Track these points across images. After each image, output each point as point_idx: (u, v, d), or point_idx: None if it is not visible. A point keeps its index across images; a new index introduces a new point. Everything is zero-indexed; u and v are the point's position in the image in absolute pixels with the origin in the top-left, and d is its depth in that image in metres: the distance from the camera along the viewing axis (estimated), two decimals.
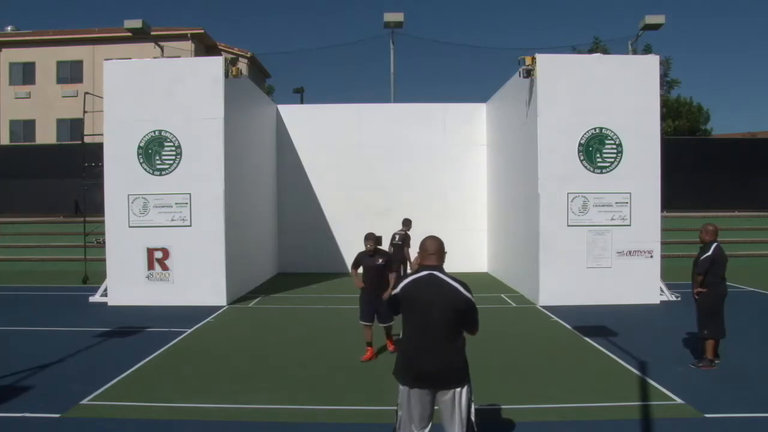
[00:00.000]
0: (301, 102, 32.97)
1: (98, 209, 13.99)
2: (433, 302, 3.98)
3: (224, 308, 12.23)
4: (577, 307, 11.67)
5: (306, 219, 18.45)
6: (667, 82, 32.90)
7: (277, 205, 18.58)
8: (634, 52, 14.40)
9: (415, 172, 18.32)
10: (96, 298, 13.00)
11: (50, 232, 21.46)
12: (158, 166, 12.69)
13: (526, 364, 7.96)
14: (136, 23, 13.72)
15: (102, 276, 13.34)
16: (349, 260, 8.49)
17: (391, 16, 19.50)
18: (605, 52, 25.68)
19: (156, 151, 12.69)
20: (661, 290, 12.65)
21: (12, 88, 33.84)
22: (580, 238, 12.31)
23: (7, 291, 15.30)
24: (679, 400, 6.27)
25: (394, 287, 4.23)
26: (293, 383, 7.12)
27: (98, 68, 23.60)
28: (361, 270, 8.37)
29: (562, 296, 12.07)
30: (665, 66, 31.96)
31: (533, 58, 12.51)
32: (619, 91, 12.43)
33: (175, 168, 12.69)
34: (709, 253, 7.39)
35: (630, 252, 12.37)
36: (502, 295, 13.57)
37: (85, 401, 6.35)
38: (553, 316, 11.14)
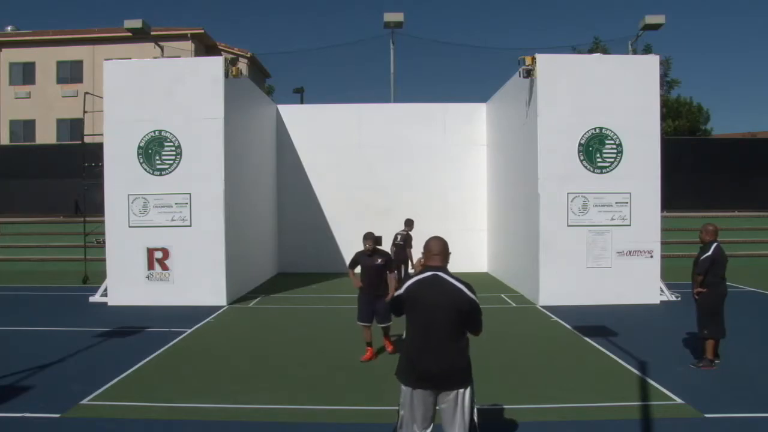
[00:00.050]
0: (301, 102, 32.98)
1: (98, 209, 13.99)
2: (436, 303, 3.98)
3: (224, 308, 12.23)
4: (577, 307, 11.67)
5: (306, 219, 18.45)
6: (667, 82, 32.91)
7: (277, 205, 18.58)
8: (634, 52, 14.40)
9: (415, 172, 18.32)
10: (96, 298, 13.00)
11: (50, 232, 21.46)
12: (158, 166, 12.70)
13: (526, 364, 7.96)
14: (136, 23, 13.72)
15: (102, 276, 13.34)
16: (349, 260, 8.45)
17: (391, 16, 19.50)
18: (605, 52, 25.68)
19: (156, 151, 12.69)
20: (661, 290, 12.65)
21: (12, 88, 33.84)
22: (580, 238, 12.31)
23: (7, 291, 15.30)
24: (679, 400, 6.27)
25: (398, 288, 4.22)
26: (293, 383, 7.12)
27: (98, 68, 23.60)
28: (358, 270, 8.28)
29: (562, 296, 12.07)
30: (665, 66, 31.97)
31: (533, 58, 12.51)
32: (619, 91, 12.43)
33: (175, 168, 12.69)
34: (709, 253, 7.39)
35: (630, 252, 12.37)
36: (502, 295, 13.57)
37: (85, 401, 6.35)
38: (553, 316, 11.14)
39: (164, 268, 12.61)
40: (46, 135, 32.91)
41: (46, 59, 33.50)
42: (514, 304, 12.66)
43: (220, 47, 35.51)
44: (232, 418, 6.00)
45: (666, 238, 15.02)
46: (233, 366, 7.92)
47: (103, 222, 13.17)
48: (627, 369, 7.52)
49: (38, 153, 26.03)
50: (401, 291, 4.13)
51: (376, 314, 8.06)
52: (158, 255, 12.60)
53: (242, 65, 25.65)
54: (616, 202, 12.39)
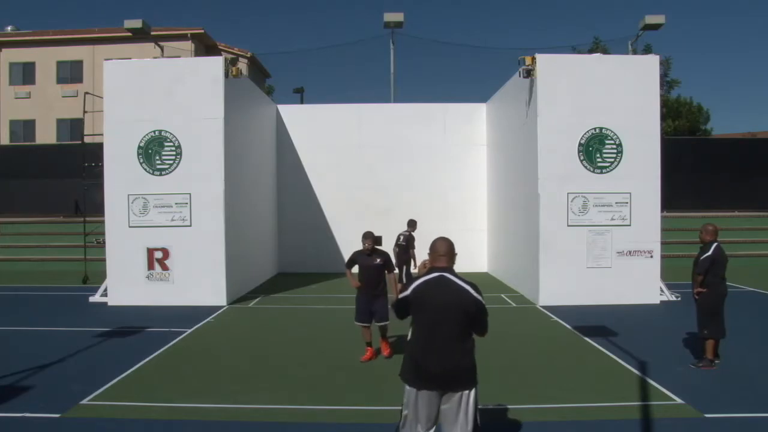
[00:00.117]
0: (301, 102, 33.00)
1: (98, 209, 13.99)
2: (443, 304, 3.97)
3: (224, 308, 12.23)
4: (577, 307, 11.67)
5: (306, 219, 18.46)
6: (667, 82, 32.92)
7: (277, 205, 18.58)
8: (634, 52, 14.40)
9: (415, 172, 18.32)
10: (96, 298, 13.00)
11: (50, 232, 21.46)
12: (158, 166, 12.70)
13: (526, 364, 7.96)
14: (136, 23, 13.72)
15: (102, 276, 13.34)
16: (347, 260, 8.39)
17: (391, 16, 19.50)
18: (605, 52, 25.68)
19: (156, 151, 12.69)
20: (661, 290, 12.65)
21: (12, 88, 33.84)
22: (580, 238, 12.31)
23: (7, 291, 15.30)
24: (679, 400, 6.27)
25: (403, 290, 4.19)
26: (293, 383, 7.12)
27: (98, 68, 23.60)
28: (356, 269, 8.19)
29: (562, 296, 12.06)
30: (665, 66, 31.97)
31: (533, 58, 12.51)
32: (619, 91, 12.43)
33: (175, 168, 12.69)
34: (709, 253, 7.39)
35: (630, 252, 12.37)
36: (502, 295, 13.57)
37: (85, 401, 6.35)
38: (553, 316, 11.14)
39: (164, 268, 12.61)
40: (46, 135, 32.91)
41: (46, 59, 33.50)
42: (514, 304, 12.66)
43: (220, 47, 35.51)
44: (232, 418, 5.99)
45: (666, 238, 15.02)
46: (233, 366, 7.92)
47: (103, 222, 13.17)
48: (627, 369, 7.52)
49: (38, 153, 26.03)
50: (408, 292, 4.11)
51: (375, 314, 8.01)
52: (158, 255, 12.60)
53: (242, 65, 25.65)
54: (616, 202, 12.39)
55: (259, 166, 16.51)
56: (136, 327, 10.23)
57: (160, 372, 7.67)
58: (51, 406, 6.16)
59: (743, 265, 17.39)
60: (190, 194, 12.61)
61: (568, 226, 12.35)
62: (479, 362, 4.09)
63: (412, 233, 13.29)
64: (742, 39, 71.35)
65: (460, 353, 3.99)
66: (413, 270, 12.54)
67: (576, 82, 12.46)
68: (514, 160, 14.92)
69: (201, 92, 12.69)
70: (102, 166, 13.05)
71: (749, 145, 26.33)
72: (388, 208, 17.37)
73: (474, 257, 17.76)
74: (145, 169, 12.68)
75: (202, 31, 33.90)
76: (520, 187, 14.01)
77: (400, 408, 4.15)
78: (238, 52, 35.16)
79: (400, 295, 4.19)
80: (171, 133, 12.68)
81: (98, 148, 13.69)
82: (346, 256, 8.38)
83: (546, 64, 12.48)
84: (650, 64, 12.85)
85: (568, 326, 10.18)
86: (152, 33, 14.83)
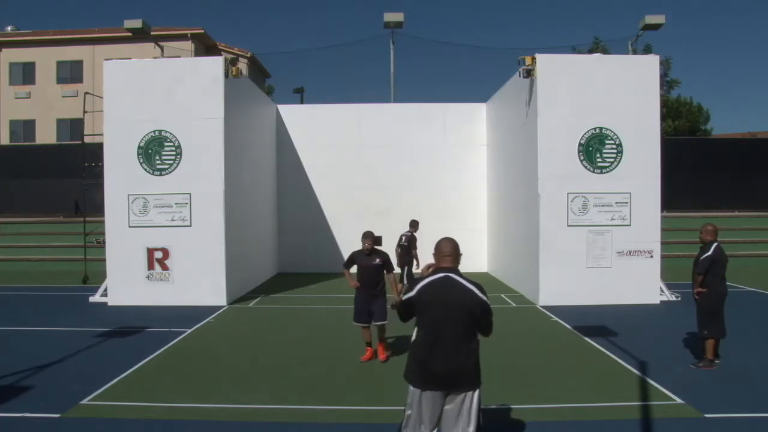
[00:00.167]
0: (301, 102, 33.00)
1: (98, 209, 14.00)
2: (448, 304, 3.97)
3: (224, 308, 12.22)
4: (577, 307, 11.67)
5: (306, 219, 18.46)
6: (667, 82, 32.92)
7: (277, 205, 18.58)
8: (634, 52, 14.40)
9: (415, 172, 18.33)
10: (96, 298, 13.00)
11: (50, 232, 21.45)
12: (158, 166, 12.70)
13: (526, 364, 7.96)
14: (136, 23, 13.72)
15: (102, 276, 13.34)
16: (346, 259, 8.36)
17: (391, 16, 19.51)
18: (605, 52, 25.68)
19: (156, 151, 12.69)
20: (661, 290, 12.65)
21: (12, 88, 33.84)
22: (580, 238, 12.31)
23: (7, 291, 15.30)
24: (679, 400, 6.27)
25: (408, 290, 4.16)
26: (293, 383, 7.12)
27: (98, 68, 23.60)
28: (354, 269, 8.13)
29: (562, 296, 12.06)
30: (665, 66, 31.98)
31: (533, 58, 12.51)
32: (619, 91, 12.44)
33: (175, 168, 12.69)
34: (710, 253, 7.39)
35: (630, 252, 12.37)
36: (502, 295, 13.57)
37: (85, 401, 6.35)
38: (553, 316, 11.14)
39: (164, 268, 12.61)
40: (46, 135, 32.91)
41: (46, 59, 33.50)
42: (514, 304, 12.66)
43: (220, 47, 35.51)
44: (232, 418, 5.99)
45: (666, 238, 15.02)
46: (233, 366, 7.92)
47: (103, 222, 13.17)
48: (627, 369, 7.52)
49: (38, 153, 26.04)
50: (413, 293, 4.08)
51: (373, 314, 7.97)
52: (158, 255, 12.60)
53: (242, 65, 25.65)
54: (616, 202, 12.39)
55: (259, 166, 16.51)
56: (136, 327, 10.23)
57: (160, 372, 7.67)
58: (51, 406, 6.16)
59: (743, 265, 17.39)
60: (190, 194, 12.61)
61: (568, 226, 12.35)
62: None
63: (414, 234, 13.29)
64: (742, 39, 71.43)
65: (465, 354, 3.98)
66: (415, 270, 12.53)
67: (576, 82, 12.46)
68: (514, 160, 14.92)
69: (201, 92, 12.69)
70: (102, 166, 13.05)
71: (749, 145, 26.33)
72: (388, 208, 17.37)
73: (474, 257, 17.72)
74: (145, 169, 12.68)
75: (202, 31, 33.90)
76: (520, 187, 14.01)
77: (401, 408, 4.15)
78: (238, 52, 35.16)
79: (405, 296, 4.15)
80: (171, 133, 12.68)
81: (98, 148, 13.70)
82: (346, 256, 8.34)
83: (546, 64, 12.48)
84: (650, 64, 12.85)
85: (568, 326, 10.18)
86: (152, 33, 14.83)
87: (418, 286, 4.09)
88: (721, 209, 22.06)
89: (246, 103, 15.00)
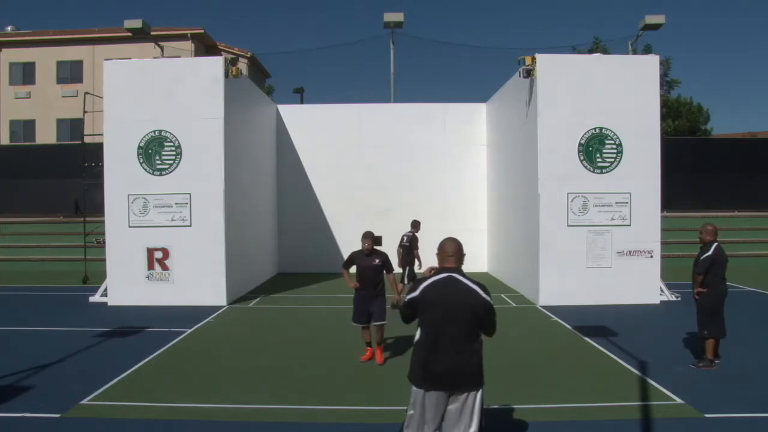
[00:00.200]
0: (301, 102, 32.99)
1: (98, 209, 13.99)
2: (451, 304, 3.97)
3: (224, 308, 12.22)
4: (577, 307, 11.67)
5: (306, 219, 18.46)
6: (667, 82, 32.92)
7: (277, 205, 18.59)
8: (634, 52, 14.40)
9: (415, 172, 18.33)
10: (96, 298, 13.00)
11: (50, 232, 21.46)
12: (158, 166, 12.70)
13: (526, 364, 7.96)
14: (136, 23, 13.72)
15: (102, 276, 13.34)
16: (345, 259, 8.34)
17: (391, 16, 19.51)
18: (605, 52, 25.68)
19: (156, 151, 12.69)
20: (661, 290, 12.65)
21: (12, 88, 33.83)
22: (580, 238, 12.31)
23: (7, 291, 15.30)
24: (679, 400, 6.27)
25: (411, 291, 4.15)
26: (293, 383, 7.12)
27: (98, 68, 23.60)
28: (353, 270, 8.09)
29: (562, 296, 12.06)
30: (665, 66, 31.98)
31: (533, 58, 12.51)
32: (619, 91, 12.44)
33: (175, 168, 12.69)
34: (710, 252, 7.40)
35: (630, 252, 12.37)
36: (502, 295, 13.57)
37: (85, 401, 6.35)
38: (553, 316, 11.14)
39: (164, 268, 12.61)
40: (46, 135, 32.91)
41: (46, 59, 33.49)
42: (514, 304, 12.66)
43: (220, 47, 35.51)
44: (233, 418, 5.99)
45: (666, 238, 15.02)
46: (233, 366, 7.92)
47: (103, 222, 13.17)
48: (627, 369, 7.52)
49: (38, 153, 26.02)
50: (416, 293, 4.07)
51: (372, 314, 7.93)
52: (158, 255, 12.60)
53: (242, 65, 25.65)
54: (616, 202, 12.39)
55: (259, 166, 16.51)
56: (136, 327, 10.23)
57: (160, 372, 7.67)
58: (51, 406, 6.16)
59: (743, 265, 17.39)
60: (190, 194, 12.61)
61: (568, 226, 12.35)
62: None
63: (416, 234, 13.28)
64: (742, 39, 71.41)
65: (469, 354, 3.99)
66: (417, 270, 12.53)
67: (576, 82, 12.46)
68: (514, 160, 14.92)
69: (201, 92, 12.68)
70: (102, 166, 13.05)
71: (749, 145, 26.32)
72: (388, 208, 17.37)
73: (474, 257, 17.56)
74: (145, 169, 12.68)
75: (202, 31, 33.89)
76: (520, 187, 14.01)
77: (401, 408, 4.14)
78: (238, 52, 35.16)
79: (408, 297, 4.13)
80: (171, 133, 12.68)
81: (98, 148, 13.70)
82: (346, 256, 8.32)
83: (546, 64, 12.48)
84: (650, 64, 12.85)
85: (568, 326, 10.18)
86: (152, 33, 14.83)
87: (422, 286, 4.08)
88: (721, 209, 22.06)
89: (246, 103, 15.00)
